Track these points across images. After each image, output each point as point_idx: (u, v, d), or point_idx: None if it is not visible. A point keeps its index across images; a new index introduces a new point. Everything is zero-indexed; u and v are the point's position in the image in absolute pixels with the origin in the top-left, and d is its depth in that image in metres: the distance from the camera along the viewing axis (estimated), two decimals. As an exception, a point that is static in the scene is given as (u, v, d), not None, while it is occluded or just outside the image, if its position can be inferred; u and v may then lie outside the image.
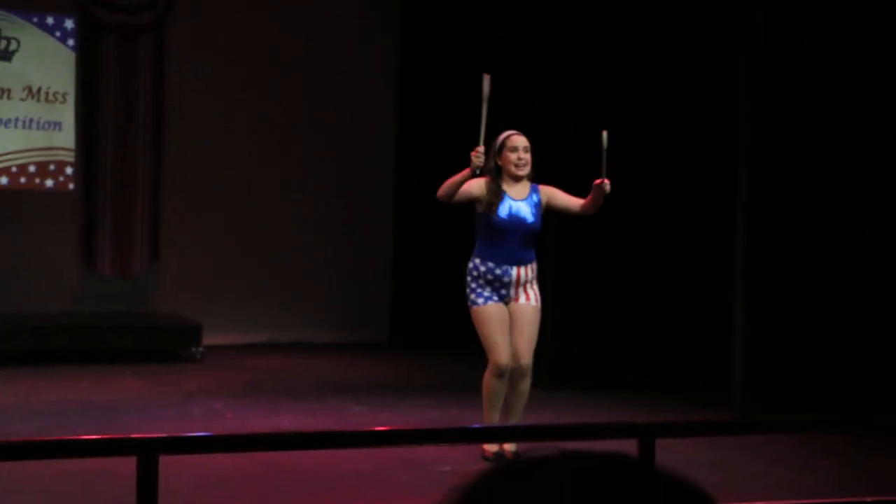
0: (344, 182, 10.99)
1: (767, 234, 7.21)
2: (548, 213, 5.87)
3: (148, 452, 3.06)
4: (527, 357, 5.73)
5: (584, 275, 8.38)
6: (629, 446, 3.25)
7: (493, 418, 5.73)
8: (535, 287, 5.81)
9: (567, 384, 8.11)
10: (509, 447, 5.70)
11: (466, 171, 5.54)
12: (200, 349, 9.48)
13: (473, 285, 5.73)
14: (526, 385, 5.77)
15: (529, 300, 5.74)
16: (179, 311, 10.17)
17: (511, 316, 5.73)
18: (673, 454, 3.80)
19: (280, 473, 5.35)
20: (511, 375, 5.71)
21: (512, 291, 5.71)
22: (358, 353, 10.20)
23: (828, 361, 7.10)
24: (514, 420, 5.76)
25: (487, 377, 5.73)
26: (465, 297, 5.80)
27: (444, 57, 10.48)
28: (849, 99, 7.18)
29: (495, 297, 5.70)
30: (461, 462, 5.62)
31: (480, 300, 5.70)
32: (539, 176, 5.94)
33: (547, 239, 8.54)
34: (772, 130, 7.23)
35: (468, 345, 5.78)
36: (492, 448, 5.73)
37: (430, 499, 4.93)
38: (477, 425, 5.72)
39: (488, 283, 5.70)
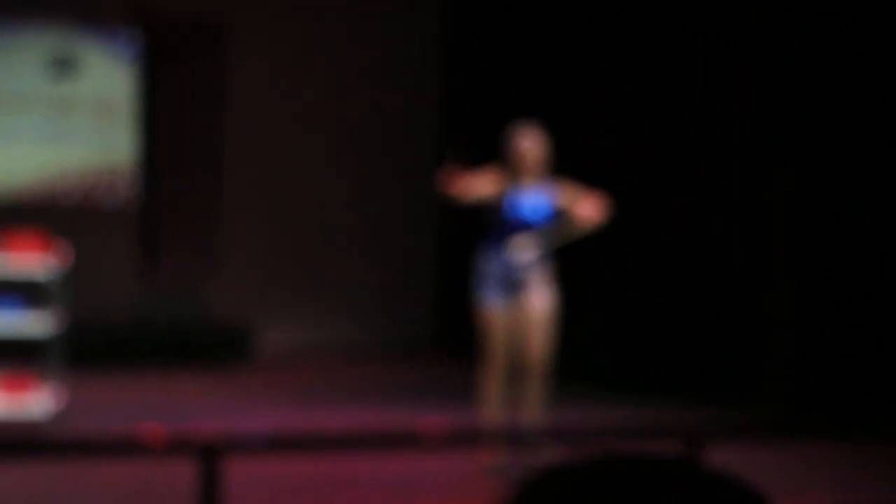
0: (393, 189, 11.14)
1: (807, 232, 7.18)
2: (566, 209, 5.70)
3: (210, 453, 3.16)
4: (539, 358, 5.62)
5: (625, 276, 8.42)
6: (674, 449, 3.31)
7: (497, 420, 5.61)
8: (550, 284, 5.66)
9: (611, 387, 8.16)
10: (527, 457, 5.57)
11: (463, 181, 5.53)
12: (256, 353, 9.65)
13: (483, 283, 5.62)
14: (539, 385, 5.66)
15: (543, 300, 5.60)
16: (236, 315, 10.36)
17: (525, 318, 5.59)
18: (716, 457, 3.86)
19: (335, 476, 5.45)
20: (528, 377, 5.63)
21: (523, 289, 5.58)
22: (405, 354, 10.31)
23: (869, 364, 7.06)
24: (530, 420, 5.64)
25: (485, 378, 5.65)
26: (474, 293, 5.67)
27: (489, 67, 10.58)
28: (885, 100, 7.16)
29: (504, 297, 5.58)
30: (515, 464, 5.69)
31: (488, 300, 5.60)
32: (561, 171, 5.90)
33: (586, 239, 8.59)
34: (808, 126, 7.21)
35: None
36: (496, 460, 5.59)
37: (484, 501, 5.02)
38: (523, 427, 5.76)
39: (496, 280, 5.59)
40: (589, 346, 8.68)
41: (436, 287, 11.14)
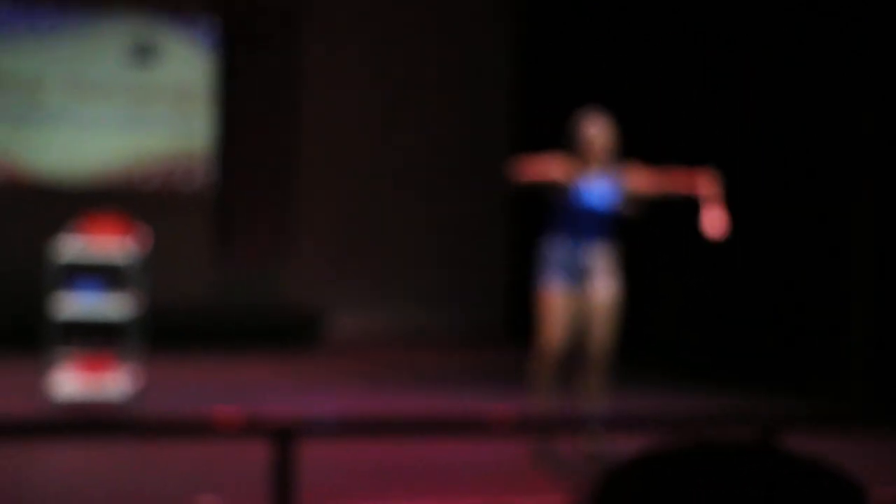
0: (465, 176, 11.14)
1: (886, 220, 7.05)
2: (639, 194, 5.64)
3: (285, 436, 3.18)
4: (601, 346, 5.59)
5: (699, 264, 8.34)
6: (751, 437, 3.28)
7: (547, 405, 5.59)
8: (613, 274, 5.61)
9: (688, 375, 8.09)
10: (594, 445, 5.58)
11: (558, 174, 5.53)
12: (327, 336, 9.74)
13: (547, 267, 5.59)
14: (601, 374, 5.63)
15: (608, 288, 5.57)
16: (307, 299, 10.46)
17: (589, 307, 5.57)
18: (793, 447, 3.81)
19: (405, 461, 5.48)
20: (590, 367, 5.61)
21: (587, 277, 5.55)
22: (477, 341, 10.33)
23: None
24: (599, 408, 5.63)
25: (539, 360, 5.62)
26: (537, 276, 5.65)
27: (564, 54, 10.52)
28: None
29: (568, 281, 5.54)
30: (605, 450, 5.67)
31: (550, 284, 5.57)
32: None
33: (656, 228, 8.51)
34: (891, 115, 7.07)
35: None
36: (549, 447, 5.59)
37: (560, 488, 5.01)
38: (597, 415, 5.73)
39: (562, 266, 5.56)
40: (666, 334, 8.62)
41: (507, 274, 11.13)
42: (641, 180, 5.62)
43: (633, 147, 6.06)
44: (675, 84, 8.95)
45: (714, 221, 5.55)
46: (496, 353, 9.81)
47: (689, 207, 7.18)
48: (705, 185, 5.60)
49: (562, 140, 5.75)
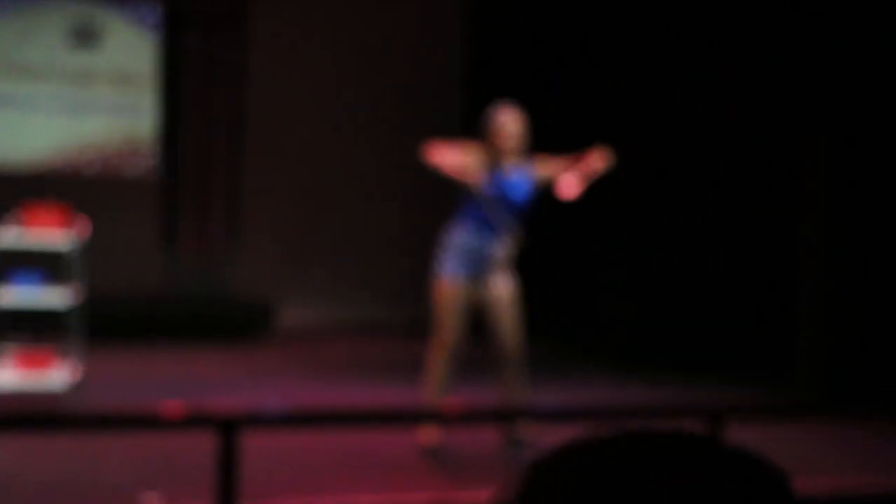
0: (415, 167, 11.08)
1: (835, 213, 7.13)
2: (549, 186, 5.65)
3: (229, 427, 3.14)
4: (516, 343, 5.56)
5: (647, 254, 8.39)
6: (697, 429, 3.29)
7: (436, 398, 5.52)
8: (512, 270, 5.59)
9: (634, 366, 8.14)
10: (521, 434, 5.58)
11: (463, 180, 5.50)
12: (275, 328, 9.67)
13: (449, 256, 5.53)
14: (517, 369, 5.61)
15: (506, 284, 5.53)
16: (255, 291, 10.37)
17: (489, 303, 5.52)
18: (739, 439, 3.83)
19: (351, 451, 5.46)
20: (506, 365, 5.59)
21: (489, 269, 5.49)
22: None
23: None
24: (519, 401, 5.60)
25: (434, 355, 5.57)
26: (434, 265, 5.61)
27: (512, 52, 10.53)
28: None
29: (467, 273, 5.49)
30: (534, 441, 5.69)
31: (450, 273, 5.50)
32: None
33: (601, 217, 8.55)
34: (842, 117, 7.14)
35: (536, 324, 5.78)
36: (431, 441, 5.54)
37: (501, 477, 5.01)
38: (548, 404, 5.75)
39: (465, 256, 5.49)
40: (612, 325, 8.65)
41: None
42: (549, 167, 5.63)
43: (575, 140, 6.07)
44: (621, 77, 8.97)
45: (569, 183, 5.55)
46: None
47: (634, 196, 7.20)
48: (593, 159, 5.62)
49: (480, 133, 5.73)
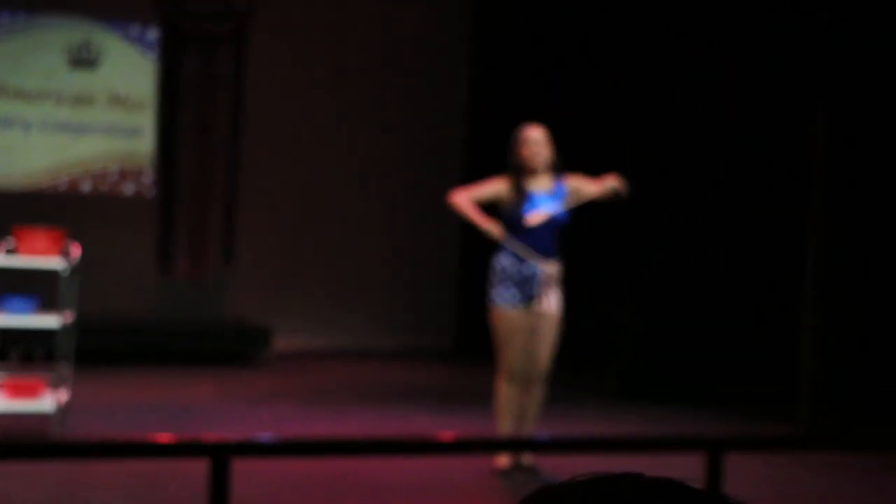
0: (412, 191, 11.05)
1: (838, 243, 7.10)
2: (585, 206, 5.68)
3: (221, 455, 3.09)
4: (545, 364, 5.57)
5: (652, 287, 8.34)
6: (697, 461, 3.23)
7: (509, 427, 5.57)
8: (558, 290, 5.59)
9: (635, 396, 8.07)
10: (527, 460, 5.59)
11: (483, 227, 5.55)
12: (270, 353, 9.60)
13: (499, 285, 5.55)
14: (541, 391, 5.62)
15: (551, 306, 5.54)
16: (250, 316, 10.31)
17: (535, 322, 5.53)
18: (740, 469, 3.77)
19: (347, 479, 5.39)
20: (527, 382, 5.58)
21: (539, 290, 5.50)
22: (425, 359, 10.25)
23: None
24: (529, 427, 5.59)
25: (500, 384, 5.60)
26: (488, 295, 5.63)
27: (514, 63, 10.50)
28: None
29: (519, 299, 5.51)
30: (532, 472, 5.62)
31: (503, 302, 5.53)
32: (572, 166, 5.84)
33: (615, 250, 8.50)
34: (845, 139, 7.12)
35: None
36: (504, 462, 5.58)
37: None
38: (545, 435, 5.70)
39: (515, 283, 5.51)
40: (611, 355, 8.59)
41: (457, 292, 11.06)
42: (581, 183, 5.65)
43: (581, 154, 6.05)
44: (621, 79, 8.92)
45: (537, 214, 5.53)
46: (444, 372, 9.72)
47: (633, 223, 7.15)
48: (608, 182, 5.64)
49: (507, 159, 5.71)
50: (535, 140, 5.56)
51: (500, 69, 10.69)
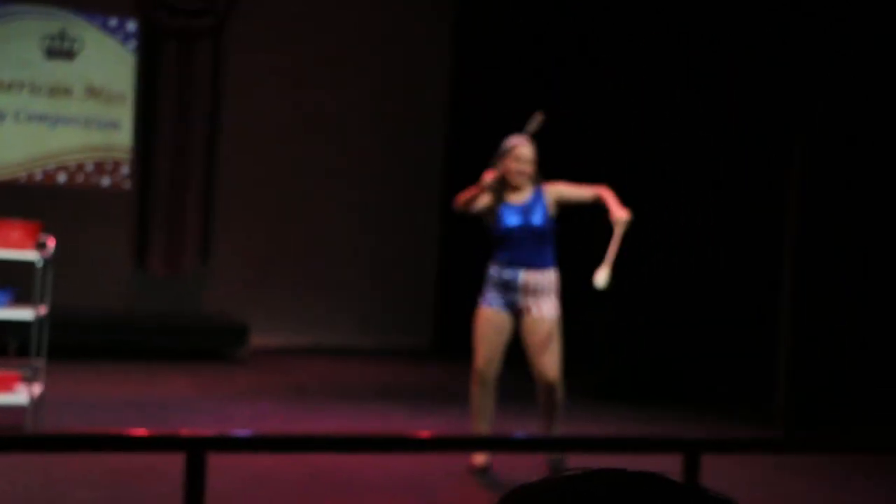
0: (391, 190, 11.04)
1: (814, 248, 7.14)
2: (565, 210, 5.67)
3: (197, 449, 3.07)
4: (552, 372, 5.52)
5: (631, 290, 8.35)
6: (674, 461, 3.24)
7: (481, 429, 5.57)
8: (552, 298, 5.57)
9: (614, 397, 8.08)
10: (553, 457, 5.66)
11: (478, 187, 5.52)
12: (247, 350, 9.56)
13: (486, 287, 5.60)
14: (557, 398, 5.60)
15: (542, 312, 5.51)
16: (228, 312, 10.26)
17: (525, 331, 5.53)
18: (716, 470, 3.78)
19: (323, 476, 5.38)
20: (541, 391, 5.59)
21: (521, 298, 5.50)
22: (402, 358, 10.23)
23: (874, 378, 7.02)
24: (556, 431, 5.64)
25: (472, 385, 5.62)
26: (478, 298, 5.68)
27: (496, 64, 10.50)
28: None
29: (500, 303, 5.53)
30: (503, 469, 5.63)
31: (483, 302, 5.58)
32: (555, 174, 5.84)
33: (594, 253, 8.52)
34: (823, 151, 7.15)
35: (512, 353, 5.74)
36: (480, 461, 5.62)
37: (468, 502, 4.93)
38: (520, 434, 5.70)
39: (497, 286, 5.54)
40: (591, 357, 8.60)
41: (435, 291, 11.04)
42: (563, 191, 5.63)
43: (557, 147, 6.03)
44: (606, 95, 8.95)
45: (601, 271, 5.43)
46: (421, 371, 9.71)
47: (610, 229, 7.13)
48: (612, 201, 5.55)
49: (492, 163, 5.71)
50: (525, 158, 5.56)
51: (482, 67, 10.69)
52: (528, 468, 5.61)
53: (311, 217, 10.84)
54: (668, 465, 3.04)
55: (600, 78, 8.82)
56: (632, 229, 5.50)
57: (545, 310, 5.54)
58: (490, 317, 5.55)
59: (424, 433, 5.81)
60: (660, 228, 8.37)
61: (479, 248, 10.84)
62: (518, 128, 5.86)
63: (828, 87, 7.11)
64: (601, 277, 5.36)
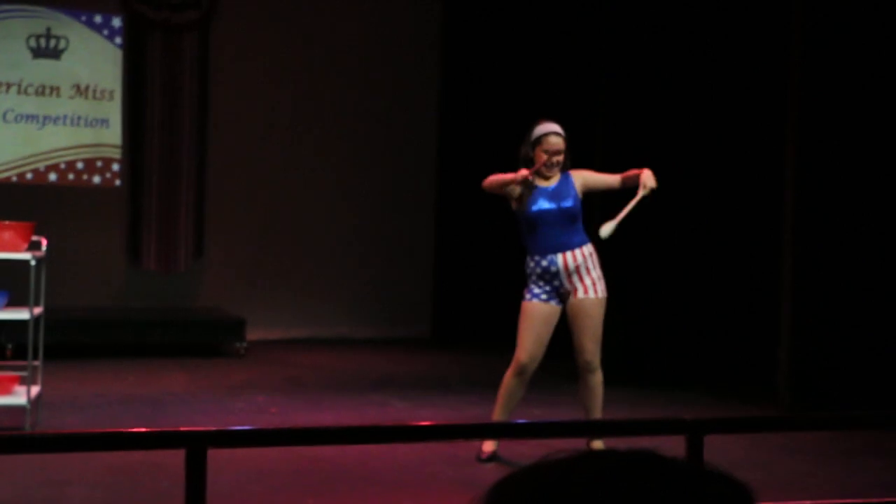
0: (387, 179, 11.00)
1: (814, 230, 7.14)
2: (589, 196, 5.69)
3: (197, 445, 3.05)
4: (591, 352, 5.54)
5: (633, 272, 8.34)
6: (677, 442, 3.22)
7: (503, 418, 5.55)
8: (594, 274, 5.55)
9: (617, 380, 8.07)
10: (596, 443, 5.55)
11: (514, 177, 5.49)
12: (244, 344, 9.54)
13: (529, 282, 5.58)
14: (597, 380, 5.59)
15: (588, 293, 5.51)
16: (223, 307, 10.24)
17: (571, 312, 5.53)
18: (720, 451, 3.77)
19: (323, 468, 5.36)
20: (580, 373, 5.59)
21: (565, 282, 5.50)
22: (400, 348, 10.22)
23: (875, 356, 7.02)
24: (595, 417, 5.59)
25: (507, 374, 5.58)
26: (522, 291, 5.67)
27: (487, 60, 10.48)
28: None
29: (546, 294, 5.52)
30: (512, 455, 5.61)
31: (528, 296, 5.57)
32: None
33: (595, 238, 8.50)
34: (819, 133, 7.14)
35: (510, 341, 5.73)
36: (488, 448, 5.61)
37: (471, 495, 4.93)
38: (521, 420, 5.69)
39: (539, 277, 5.53)
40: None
41: (433, 281, 11.02)
42: (588, 176, 5.65)
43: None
44: (601, 98, 8.91)
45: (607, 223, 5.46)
46: (421, 361, 9.69)
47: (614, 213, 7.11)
48: (644, 179, 5.51)
49: (512, 152, 5.72)
50: (558, 148, 5.55)
51: (473, 60, 10.66)
52: (534, 455, 5.60)
53: (305, 207, 10.81)
54: (672, 447, 3.03)
55: (592, 81, 8.79)
56: (642, 205, 5.49)
57: (591, 289, 5.54)
58: (538, 310, 5.53)
59: (424, 423, 5.79)
60: (662, 212, 8.36)
61: (474, 238, 10.88)
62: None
63: (827, 84, 7.11)
64: (606, 229, 5.40)
